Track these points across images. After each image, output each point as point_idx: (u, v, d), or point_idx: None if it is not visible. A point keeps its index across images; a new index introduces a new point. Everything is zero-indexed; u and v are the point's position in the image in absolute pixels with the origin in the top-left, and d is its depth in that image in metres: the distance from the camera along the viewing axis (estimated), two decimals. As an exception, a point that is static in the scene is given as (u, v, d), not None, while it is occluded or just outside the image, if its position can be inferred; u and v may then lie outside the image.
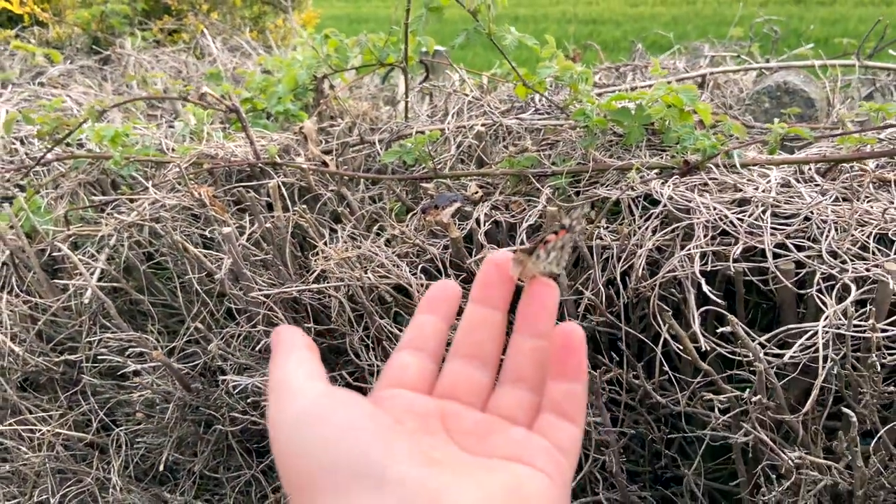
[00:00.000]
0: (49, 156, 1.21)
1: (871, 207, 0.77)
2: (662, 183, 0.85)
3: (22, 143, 1.35)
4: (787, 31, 7.28)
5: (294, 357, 0.35)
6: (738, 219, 0.77)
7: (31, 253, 1.13)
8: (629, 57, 2.16)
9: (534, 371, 0.38)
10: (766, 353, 0.71)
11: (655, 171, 0.90)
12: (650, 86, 1.02)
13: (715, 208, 0.78)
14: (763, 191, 0.80)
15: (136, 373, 0.98)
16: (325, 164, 1.15)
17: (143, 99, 1.29)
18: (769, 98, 1.12)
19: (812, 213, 0.76)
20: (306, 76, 1.30)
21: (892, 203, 0.77)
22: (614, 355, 0.84)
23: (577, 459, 0.37)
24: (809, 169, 0.86)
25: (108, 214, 1.08)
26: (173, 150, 1.20)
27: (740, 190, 0.81)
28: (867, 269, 0.70)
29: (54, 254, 1.12)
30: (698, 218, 0.79)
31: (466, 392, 0.39)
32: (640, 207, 0.88)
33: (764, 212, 0.77)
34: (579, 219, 0.41)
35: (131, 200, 1.09)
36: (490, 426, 0.37)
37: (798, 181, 0.85)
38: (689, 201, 0.80)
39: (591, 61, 2.17)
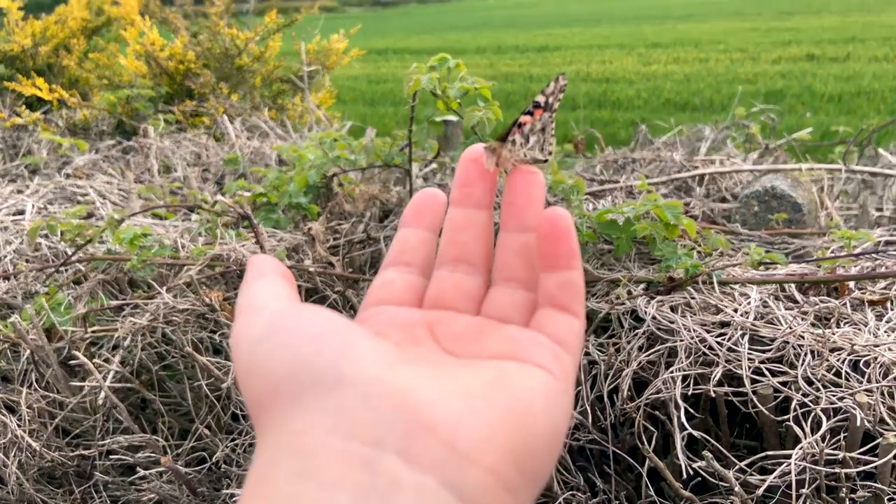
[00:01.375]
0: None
1: (847, 331, 0.80)
2: (647, 301, 0.89)
3: (46, 237, 1.42)
4: (802, 87, 7.31)
5: (263, 281, 0.33)
6: (718, 343, 0.80)
7: (50, 351, 1.18)
8: (632, 139, 2.22)
9: (525, 268, 0.36)
10: (746, 479, 0.73)
11: (643, 285, 0.94)
12: (641, 192, 1.06)
13: (696, 331, 0.82)
14: (743, 313, 0.83)
15: (144, 476, 1.02)
16: (331, 264, 1.21)
17: (160, 207, 1.35)
18: (758, 202, 1.16)
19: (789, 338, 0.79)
20: (316, 176, 1.36)
21: (867, 327, 0.80)
22: (606, 469, 0.87)
23: (580, 353, 0.34)
24: (790, 285, 0.89)
25: (123, 317, 1.14)
26: (186, 250, 1.26)
27: (721, 311, 0.85)
28: (840, 399, 0.73)
29: (73, 351, 1.17)
30: (681, 340, 0.82)
31: (455, 298, 0.36)
32: (628, 321, 0.91)
33: (743, 335, 0.81)
34: (556, 94, 0.38)
35: (145, 302, 1.14)
36: (482, 328, 0.34)
37: (779, 298, 0.89)
38: (672, 322, 0.84)
39: (594, 143, 2.23)
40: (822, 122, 5.80)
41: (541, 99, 0.37)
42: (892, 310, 0.84)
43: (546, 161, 0.38)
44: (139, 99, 2.30)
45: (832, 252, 0.94)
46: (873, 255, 0.87)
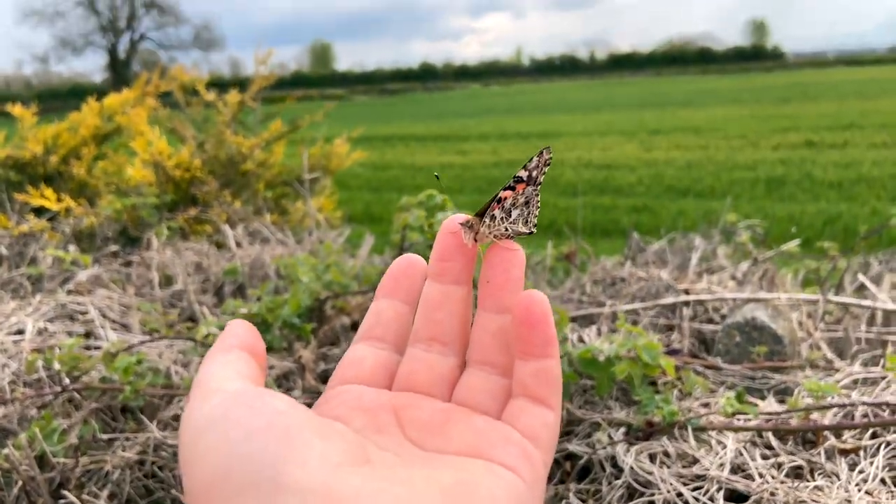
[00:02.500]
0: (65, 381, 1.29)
1: (821, 484, 0.81)
2: (627, 448, 0.90)
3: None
4: (801, 174, 7.37)
5: (226, 357, 0.30)
6: (695, 498, 0.81)
7: (41, 482, 1.19)
8: (626, 244, 2.26)
9: (501, 352, 0.34)
10: None
11: (623, 427, 0.95)
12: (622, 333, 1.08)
13: (673, 484, 0.83)
14: (718, 465, 0.84)
15: None
16: (320, 394, 1.23)
17: (157, 339, 1.38)
18: (739, 333, 1.18)
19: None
20: (309, 300, 1.40)
21: (840, 480, 0.81)
22: None
23: (553, 450, 0.32)
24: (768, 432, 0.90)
25: (112, 452, 1.15)
26: (179, 376, 1.28)
27: (697, 461, 0.86)
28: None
29: (63, 490, 1.17)
30: (659, 492, 0.83)
31: (427, 381, 0.34)
32: (608, 468, 0.92)
33: (718, 489, 0.81)
34: (540, 168, 0.37)
35: (135, 434, 1.16)
36: (450, 416, 0.32)
37: (756, 444, 0.90)
38: (650, 473, 0.85)
39: (595, 245, 2.27)
40: (823, 210, 5.87)
41: (523, 174, 0.36)
42: (864, 459, 0.84)
43: (531, 233, 0.38)
44: (144, 207, 2.37)
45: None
46: (847, 403, 0.88)
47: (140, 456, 1.13)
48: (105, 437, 1.20)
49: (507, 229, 0.36)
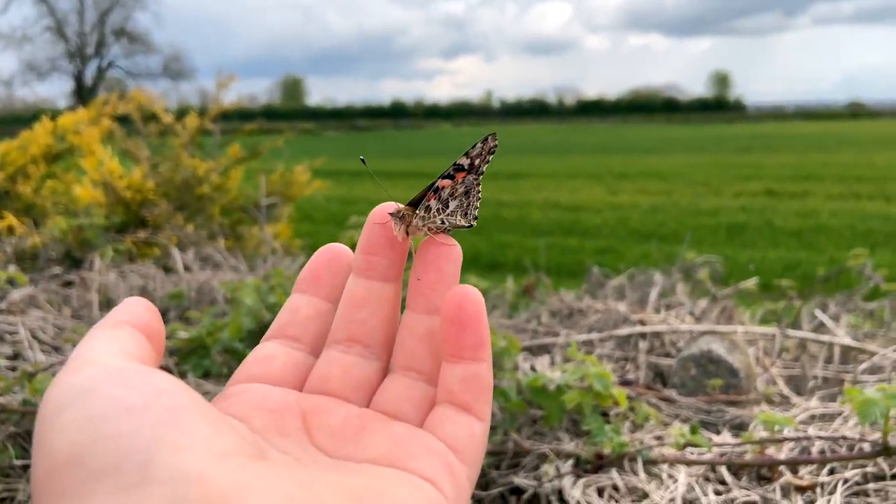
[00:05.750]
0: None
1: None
2: (574, 481, 0.85)
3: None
4: (762, 221, 7.51)
5: (112, 333, 0.25)
6: (642, 534, 0.76)
7: (-56, 512, 1.09)
8: (585, 279, 2.23)
9: (430, 357, 0.30)
10: None
11: (572, 460, 0.90)
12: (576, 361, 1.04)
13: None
14: (669, 500, 0.79)
15: None
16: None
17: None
18: (695, 365, 1.14)
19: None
20: (252, 323, 1.33)
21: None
22: None
23: (480, 462, 0.28)
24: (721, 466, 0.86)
25: (26, 481, 1.06)
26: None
27: (647, 496, 0.81)
28: None
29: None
30: (604, 528, 0.78)
31: (342, 385, 0.30)
32: (555, 501, 0.87)
33: (668, 526, 0.76)
34: (484, 157, 0.34)
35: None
36: (365, 423, 0.28)
37: (709, 479, 0.85)
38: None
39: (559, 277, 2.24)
40: (783, 257, 5.96)
41: (464, 161, 0.33)
42: (821, 496, 0.80)
43: (470, 227, 0.34)
44: (90, 228, 2.29)
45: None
46: (803, 437, 0.84)
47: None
48: (20, 463, 1.12)
49: (443, 222, 0.33)
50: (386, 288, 0.32)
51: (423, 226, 0.33)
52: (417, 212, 0.33)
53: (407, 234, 0.32)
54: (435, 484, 0.25)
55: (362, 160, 0.40)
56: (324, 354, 0.32)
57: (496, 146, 0.34)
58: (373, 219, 0.32)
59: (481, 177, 0.34)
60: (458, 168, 0.33)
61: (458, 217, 0.33)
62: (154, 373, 0.23)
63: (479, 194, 0.34)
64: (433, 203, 0.33)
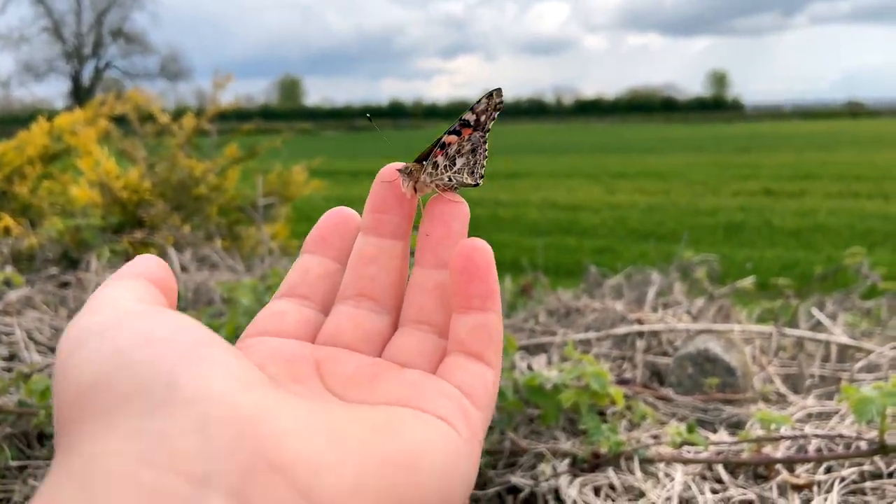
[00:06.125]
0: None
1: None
2: (570, 480, 0.84)
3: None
4: (761, 221, 7.53)
5: (128, 283, 0.26)
6: (638, 533, 0.76)
7: (-60, 513, 1.09)
8: (583, 278, 2.23)
9: (440, 311, 0.31)
10: None
11: (569, 459, 0.90)
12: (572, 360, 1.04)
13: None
14: (666, 499, 0.79)
15: None
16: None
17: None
18: (692, 364, 1.14)
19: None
20: (247, 323, 1.32)
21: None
22: None
23: (492, 410, 0.29)
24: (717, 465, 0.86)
25: (22, 481, 1.06)
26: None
27: (644, 494, 0.81)
28: None
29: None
30: (600, 527, 0.77)
31: (354, 339, 0.31)
32: (552, 499, 0.86)
33: (664, 525, 0.76)
34: (490, 113, 0.33)
35: (48, 463, 1.07)
36: (379, 370, 0.29)
37: (705, 478, 0.85)
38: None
39: (554, 277, 2.24)
40: (780, 256, 5.96)
41: (470, 117, 0.33)
42: (818, 494, 0.80)
43: (476, 185, 0.34)
44: (87, 228, 2.28)
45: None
46: (799, 436, 0.84)
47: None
48: (16, 464, 1.11)
49: (450, 179, 0.33)
50: (395, 245, 0.32)
51: (431, 182, 0.33)
52: (425, 167, 0.32)
53: (415, 190, 0.32)
54: (450, 423, 0.26)
55: (368, 117, 0.40)
56: (334, 310, 0.32)
57: (502, 102, 0.34)
58: (381, 177, 0.33)
59: (487, 133, 0.34)
60: (465, 124, 0.33)
61: (465, 175, 0.33)
62: (174, 312, 0.24)
63: (486, 152, 0.34)
64: (440, 159, 0.33)
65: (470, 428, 0.26)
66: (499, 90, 0.33)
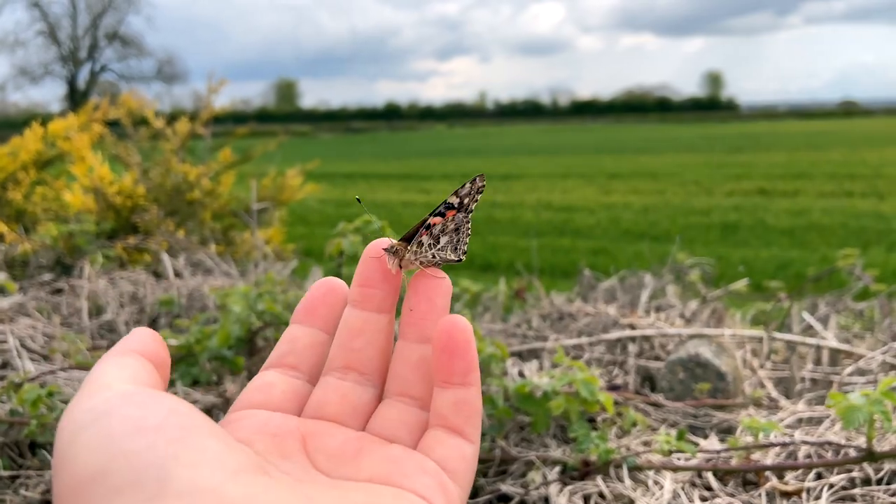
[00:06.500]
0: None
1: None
2: (560, 489, 0.85)
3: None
4: (755, 220, 7.54)
5: (121, 360, 0.27)
6: (628, 542, 0.76)
7: (-69, 523, 1.09)
8: (577, 281, 2.23)
9: (423, 384, 0.32)
10: None
11: (559, 467, 0.90)
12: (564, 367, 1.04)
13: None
14: (655, 506, 0.80)
15: None
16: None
17: (66, 369, 1.30)
18: (683, 369, 1.14)
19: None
20: (240, 330, 1.33)
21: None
22: None
23: (470, 485, 0.30)
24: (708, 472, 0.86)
25: (13, 492, 1.06)
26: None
27: (633, 502, 0.81)
28: None
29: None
30: (590, 535, 0.78)
31: (340, 411, 0.32)
32: (542, 507, 0.87)
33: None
34: (473, 196, 0.35)
35: (39, 473, 1.07)
36: (362, 445, 0.30)
37: (695, 485, 0.85)
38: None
39: (546, 283, 2.24)
40: (775, 255, 5.97)
41: (454, 200, 0.35)
42: (807, 501, 0.80)
43: (460, 261, 0.36)
44: (81, 234, 2.28)
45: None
46: (788, 443, 0.84)
47: (43, 496, 1.04)
48: (7, 474, 1.11)
49: (434, 256, 0.35)
50: (381, 318, 0.33)
51: (416, 259, 0.34)
52: (410, 247, 0.34)
53: (400, 267, 0.34)
54: (428, 501, 0.27)
55: (357, 200, 0.42)
56: (322, 381, 0.33)
57: (484, 186, 0.36)
58: (368, 253, 0.34)
59: (470, 214, 0.36)
60: (449, 206, 0.35)
61: (449, 252, 0.35)
62: (166, 396, 0.25)
63: (469, 231, 0.36)
64: (425, 239, 0.34)
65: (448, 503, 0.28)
66: (482, 176, 0.36)
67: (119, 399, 0.24)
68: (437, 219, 0.35)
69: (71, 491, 0.22)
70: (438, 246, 0.35)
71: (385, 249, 0.34)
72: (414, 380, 0.32)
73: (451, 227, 0.35)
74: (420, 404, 0.32)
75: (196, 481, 0.21)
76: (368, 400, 0.33)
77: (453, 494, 0.28)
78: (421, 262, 0.35)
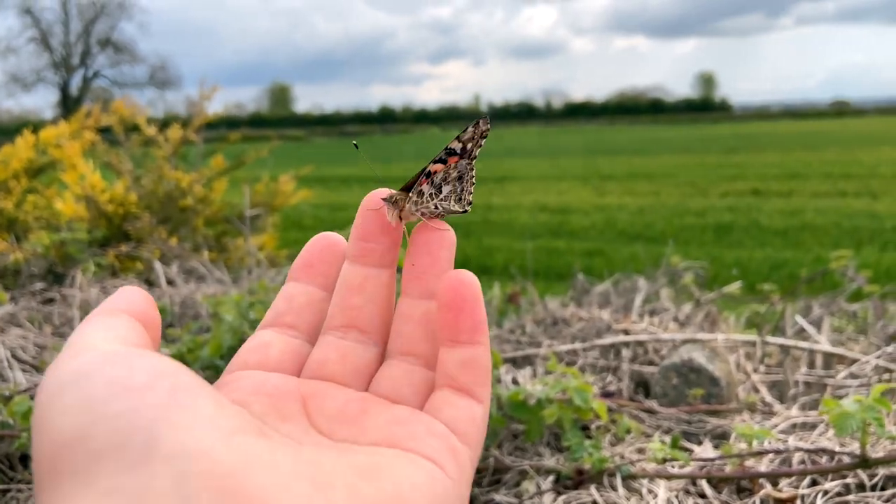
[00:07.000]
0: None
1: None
2: (554, 498, 0.84)
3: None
4: (749, 221, 7.55)
5: (108, 321, 0.25)
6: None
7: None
8: (570, 285, 2.23)
9: (427, 341, 0.31)
10: None
11: (553, 476, 0.90)
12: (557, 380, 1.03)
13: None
14: (649, 515, 0.79)
15: None
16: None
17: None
18: (676, 374, 1.14)
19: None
20: (233, 339, 1.32)
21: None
22: None
23: (481, 446, 0.29)
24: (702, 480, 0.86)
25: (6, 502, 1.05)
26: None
27: (627, 511, 0.81)
28: None
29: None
30: (584, 545, 0.77)
31: (341, 370, 0.30)
32: (536, 516, 0.86)
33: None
34: (476, 140, 0.33)
35: (30, 487, 1.06)
36: (366, 406, 0.28)
37: (689, 493, 0.85)
38: (576, 525, 0.79)
39: (539, 288, 2.24)
40: (769, 256, 5.98)
41: (456, 146, 0.33)
42: (803, 509, 0.80)
43: (464, 212, 0.34)
44: (73, 243, 2.27)
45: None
46: (782, 450, 0.84)
47: (33, 509, 1.03)
48: (-3, 488, 1.10)
49: (436, 207, 0.33)
50: (381, 274, 0.32)
51: (417, 210, 0.33)
52: (410, 196, 0.32)
53: (400, 219, 0.32)
54: (438, 464, 0.25)
55: (355, 145, 0.40)
56: (321, 340, 0.31)
57: (488, 129, 0.33)
58: (366, 205, 0.32)
59: (474, 161, 0.34)
60: (451, 152, 0.33)
61: (452, 202, 0.33)
62: (154, 355, 0.23)
63: (473, 179, 0.34)
64: (426, 188, 0.33)
65: (458, 467, 0.26)
66: (485, 118, 0.33)
67: (104, 358, 0.22)
68: (439, 166, 0.33)
69: (49, 458, 0.20)
70: (441, 196, 0.33)
71: (384, 200, 0.32)
72: (418, 337, 0.31)
73: (454, 174, 0.33)
74: (425, 363, 0.31)
75: (187, 444, 0.19)
76: (371, 359, 0.31)
77: (463, 456, 0.27)
78: (422, 214, 0.33)
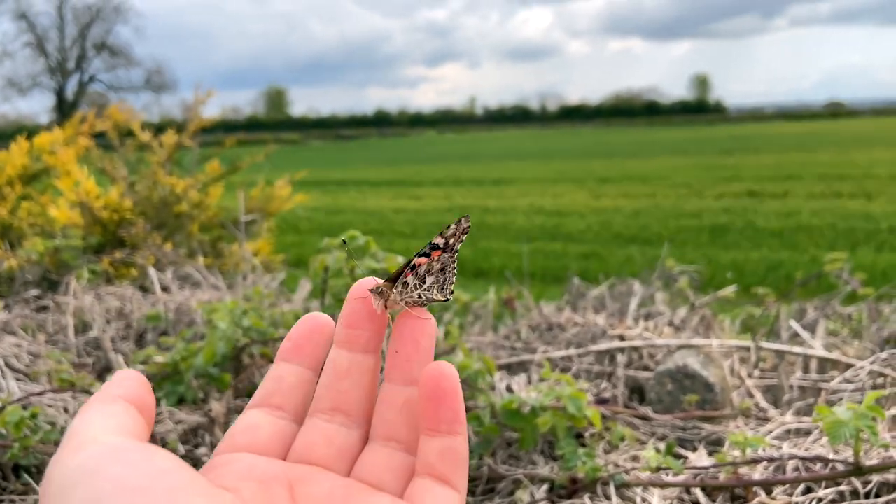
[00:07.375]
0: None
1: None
2: (547, 506, 0.84)
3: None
4: (745, 222, 7.55)
5: (106, 408, 0.27)
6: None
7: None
8: (565, 288, 2.23)
9: (408, 427, 0.32)
10: None
11: (547, 484, 0.90)
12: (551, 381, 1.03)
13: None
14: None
15: None
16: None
17: (54, 391, 1.28)
18: (671, 380, 1.14)
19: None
20: (226, 347, 1.32)
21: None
22: None
23: None
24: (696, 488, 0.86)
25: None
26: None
27: (621, 520, 0.81)
28: None
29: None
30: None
31: (326, 454, 0.32)
32: (530, 525, 0.86)
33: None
34: (458, 236, 0.36)
35: (22, 498, 1.05)
36: (350, 494, 0.30)
37: (683, 501, 0.85)
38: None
39: (533, 292, 2.24)
40: (765, 257, 5.99)
41: (440, 241, 0.35)
42: (797, 517, 0.80)
43: (446, 301, 0.36)
44: (67, 249, 2.26)
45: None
46: (776, 458, 0.84)
47: (26, 520, 1.02)
48: (-11, 499, 1.10)
49: (420, 296, 0.35)
50: (367, 359, 0.34)
51: (401, 300, 0.34)
52: (395, 287, 0.34)
53: (385, 307, 0.34)
54: None
55: (343, 242, 0.42)
56: (307, 423, 0.33)
57: (469, 227, 0.36)
58: (353, 294, 0.34)
59: (456, 254, 0.36)
60: (434, 247, 0.35)
61: (435, 291, 0.35)
62: (154, 451, 0.25)
63: (455, 270, 0.36)
64: (410, 279, 0.35)
65: None
66: (467, 217, 0.36)
67: (107, 455, 0.24)
68: (423, 259, 0.35)
69: None
70: (424, 286, 0.35)
71: (370, 290, 0.34)
72: (399, 423, 0.32)
73: (437, 266, 0.35)
74: (406, 448, 0.32)
75: None
76: (354, 442, 0.33)
77: None
78: (406, 303, 0.35)
